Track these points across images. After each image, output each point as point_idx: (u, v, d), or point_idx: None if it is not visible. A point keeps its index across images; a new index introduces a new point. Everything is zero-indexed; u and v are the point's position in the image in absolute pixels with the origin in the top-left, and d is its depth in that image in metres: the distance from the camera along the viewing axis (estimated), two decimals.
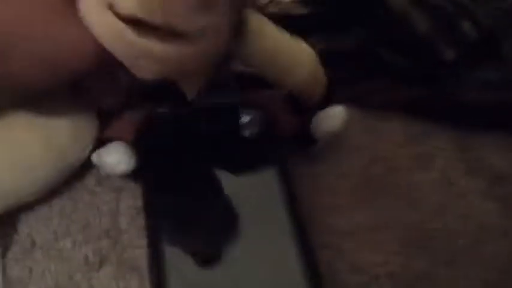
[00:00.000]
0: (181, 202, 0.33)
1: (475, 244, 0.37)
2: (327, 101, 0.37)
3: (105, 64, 0.28)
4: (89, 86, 0.34)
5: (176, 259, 0.30)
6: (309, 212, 0.36)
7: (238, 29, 0.30)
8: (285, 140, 0.37)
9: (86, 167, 0.36)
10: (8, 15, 0.25)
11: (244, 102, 0.39)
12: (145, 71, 0.28)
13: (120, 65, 0.28)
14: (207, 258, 0.31)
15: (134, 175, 0.32)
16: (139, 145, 0.33)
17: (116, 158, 0.31)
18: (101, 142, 0.34)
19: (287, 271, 0.31)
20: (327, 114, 0.35)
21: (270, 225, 0.32)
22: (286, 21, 0.41)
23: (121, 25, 0.25)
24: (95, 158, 0.33)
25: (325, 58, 0.41)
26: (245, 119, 0.36)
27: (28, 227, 0.34)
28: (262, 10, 0.42)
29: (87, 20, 0.27)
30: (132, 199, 0.36)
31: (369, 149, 0.41)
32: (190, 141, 0.35)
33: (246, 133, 0.36)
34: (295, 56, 0.34)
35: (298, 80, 0.34)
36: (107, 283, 0.33)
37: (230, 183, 0.34)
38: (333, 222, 0.37)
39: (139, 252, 0.34)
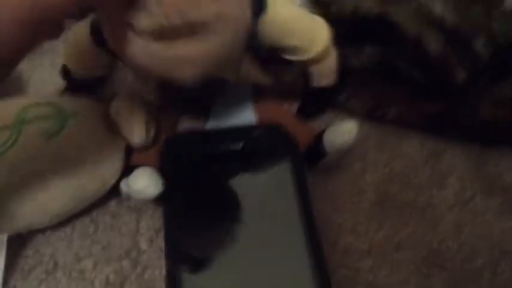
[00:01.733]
0: (198, 219, 0.33)
1: (493, 263, 0.37)
2: (337, 88, 0.39)
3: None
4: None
5: (194, 278, 0.31)
6: (325, 231, 0.37)
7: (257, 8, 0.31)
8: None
9: None
10: None
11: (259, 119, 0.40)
12: (185, 77, 0.29)
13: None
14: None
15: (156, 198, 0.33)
16: (164, 169, 0.34)
17: (144, 182, 0.30)
18: (127, 169, 0.35)
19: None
20: (339, 128, 0.35)
21: (284, 243, 0.33)
22: None
23: (151, 46, 0.27)
24: (123, 186, 0.34)
25: (342, 72, 0.41)
26: (260, 133, 0.37)
27: (51, 247, 0.35)
28: None
29: (118, 49, 0.28)
30: (151, 220, 0.37)
31: (385, 166, 0.41)
32: (206, 159, 0.36)
33: (262, 147, 0.36)
34: (313, 31, 0.35)
35: (314, 53, 0.35)
36: None
37: (247, 198, 0.34)
38: (350, 241, 0.37)
39: (158, 273, 0.35)
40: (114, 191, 0.36)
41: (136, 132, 0.35)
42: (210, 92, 0.41)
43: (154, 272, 0.35)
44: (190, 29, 0.26)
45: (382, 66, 0.42)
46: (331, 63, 0.37)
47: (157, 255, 0.35)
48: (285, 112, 0.42)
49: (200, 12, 0.26)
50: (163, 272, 0.34)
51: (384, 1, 0.38)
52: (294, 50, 0.35)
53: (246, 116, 0.41)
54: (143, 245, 0.36)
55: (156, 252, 0.35)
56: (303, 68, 0.37)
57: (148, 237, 0.36)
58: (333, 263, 0.35)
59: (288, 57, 0.36)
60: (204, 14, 0.26)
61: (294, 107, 0.43)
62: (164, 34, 0.26)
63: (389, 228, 0.38)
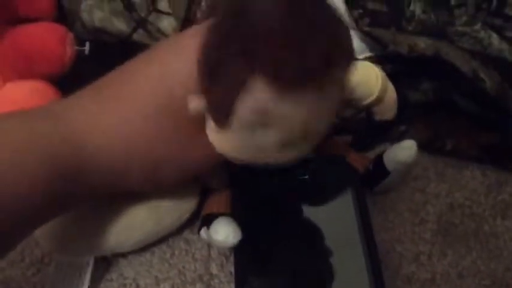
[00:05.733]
0: (266, 248, 0.35)
1: None
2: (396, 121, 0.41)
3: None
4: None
5: None
6: (387, 260, 0.38)
7: None
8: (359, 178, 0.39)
9: None
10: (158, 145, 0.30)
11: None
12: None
13: None
14: None
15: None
16: (233, 199, 0.37)
17: (224, 234, 0.33)
18: (204, 218, 0.37)
19: None
20: (399, 146, 0.36)
21: (346, 272, 0.34)
22: None
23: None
24: (203, 234, 0.37)
25: (400, 106, 0.43)
26: (323, 163, 0.39)
27: (133, 271, 0.39)
28: None
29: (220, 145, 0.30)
30: None
31: (446, 197, 0.42)
32: (274, 190, 0.38)
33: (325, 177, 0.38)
34: (368, 78, 0.38)
35: (373, 97, 0.38)
36: None
37: (311, 226, 0.36)
38: (412, 270, 0.38)
39: None
40: (187, 221, 0.40)
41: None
42: None
43: None
44: None
45: (438, 100, 0.43)
46: (390, 99, 0.39)
47: (227, 279, 0.38)
48: (339, 143, 0.43)
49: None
50: None
51: (436, 42, 0.40)
52: (356, 100, 0.38)
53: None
54: (214, 270, 0.39)
55: (226, 277, 0.38)
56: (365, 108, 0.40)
57: (220, 263, 0.39)
58: None
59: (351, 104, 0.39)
60: None
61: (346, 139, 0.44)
62: None
63: (452, 257, 0.39)
